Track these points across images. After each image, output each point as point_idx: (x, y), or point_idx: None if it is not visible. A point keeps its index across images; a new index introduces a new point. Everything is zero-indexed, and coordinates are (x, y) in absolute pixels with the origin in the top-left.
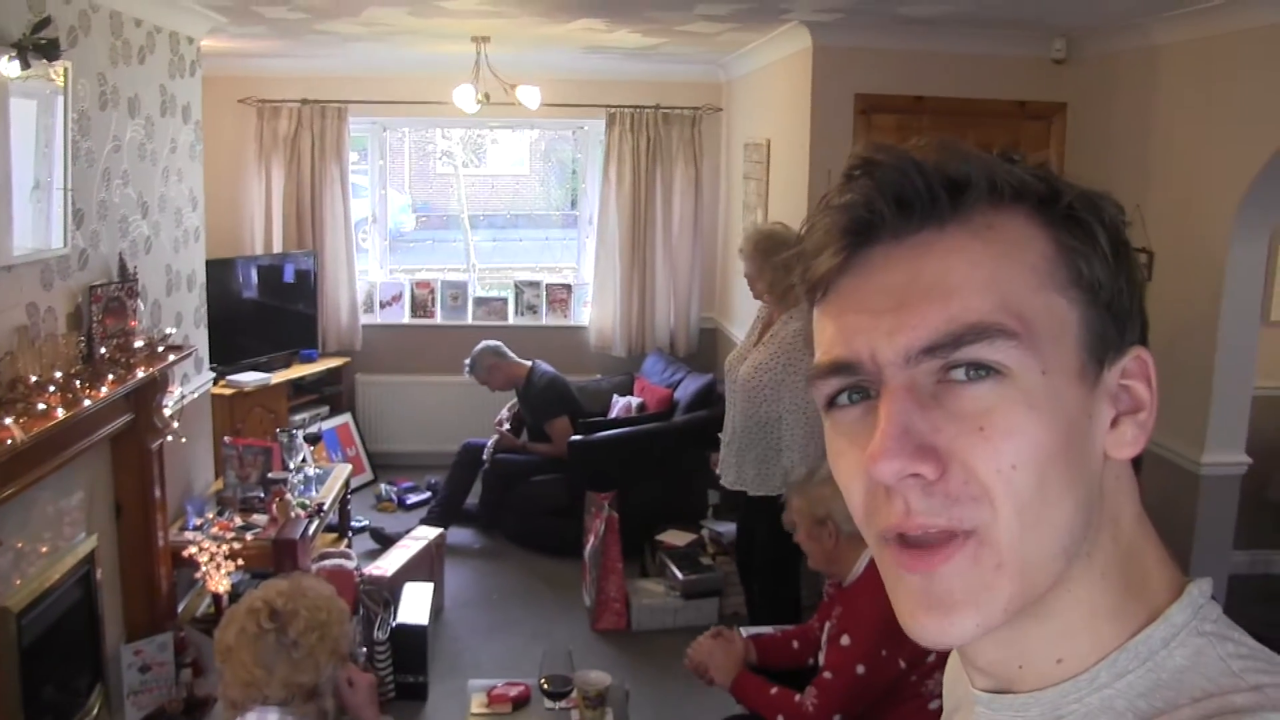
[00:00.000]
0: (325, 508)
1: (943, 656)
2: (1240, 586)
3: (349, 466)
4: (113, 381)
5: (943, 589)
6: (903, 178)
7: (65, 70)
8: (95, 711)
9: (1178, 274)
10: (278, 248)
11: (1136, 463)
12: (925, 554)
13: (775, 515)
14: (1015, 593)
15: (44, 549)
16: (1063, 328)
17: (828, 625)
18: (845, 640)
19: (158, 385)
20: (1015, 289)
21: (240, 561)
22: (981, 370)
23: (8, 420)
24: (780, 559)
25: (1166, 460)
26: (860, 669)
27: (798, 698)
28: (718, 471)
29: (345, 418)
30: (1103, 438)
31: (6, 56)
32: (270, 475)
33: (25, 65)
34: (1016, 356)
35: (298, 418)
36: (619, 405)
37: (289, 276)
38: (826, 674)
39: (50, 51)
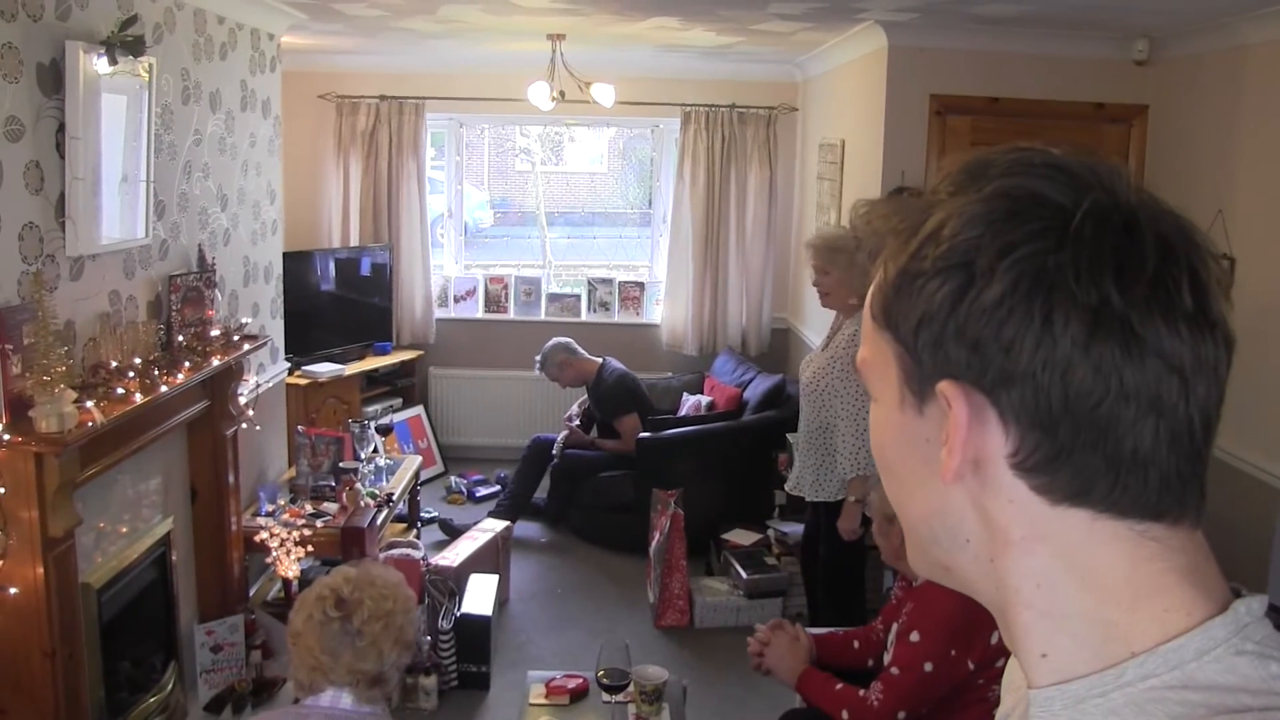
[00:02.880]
0: (394, 498)
1: None
2: None
3: (419, 458)
4: (189, 369)
5: None
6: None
7: (150, 66)
8: (170, 688)
9: (1261, 280)
10: (354, 241)
11: (1154, 501)
12: None
13: (836, 520)
14: (914, 554)
15: (123, 529)
16: (885, 362)
17: (896, 623)
18: (915, 636)
19: (233, 374)
20: (866, 330)
21: (310, 548)
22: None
23: (89, 404)
24: (843, 563)
25: (1242, 473)
26: (928, 666)
27: (862, 693)
28: (784, 472)
29: (417, 410)
30: (939, 460)
31: (96, 53)
32: (341, 465)
33: (113, 61)
34: (868, 383)
35: (370, 409)
36: (688, 404)
37: (365, 270)
38: (894, 670)
39: (136, 48)
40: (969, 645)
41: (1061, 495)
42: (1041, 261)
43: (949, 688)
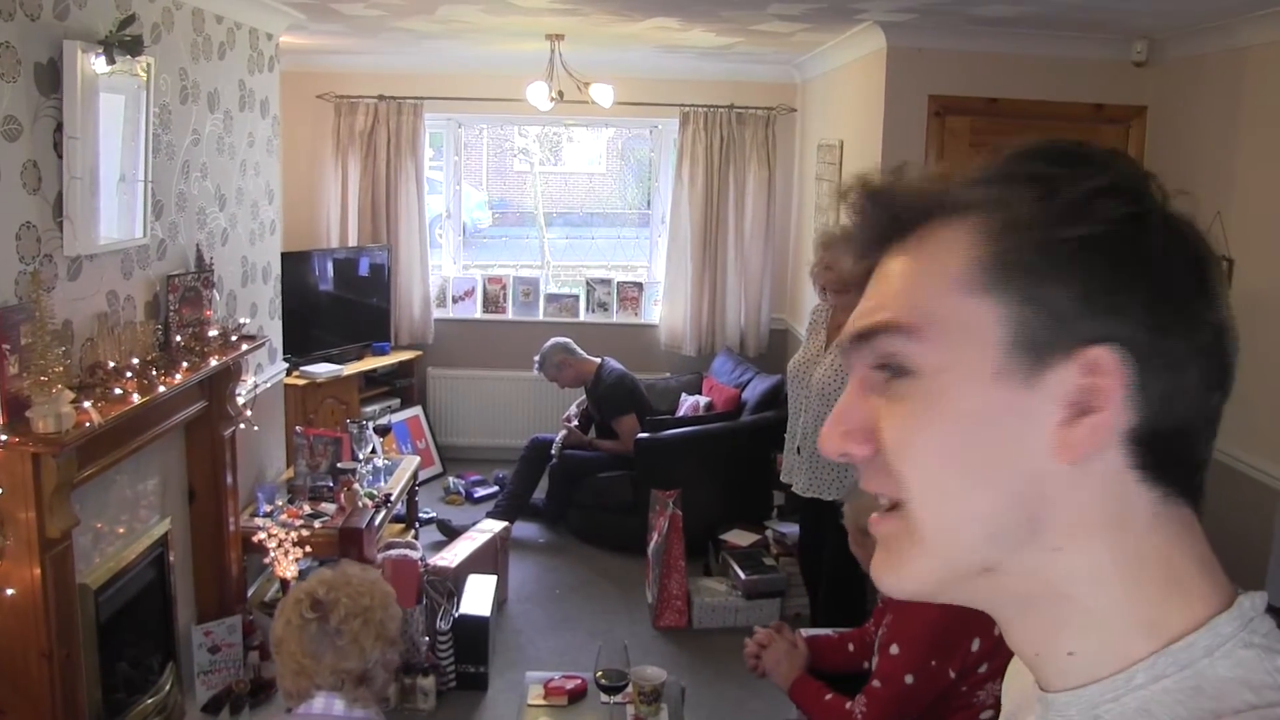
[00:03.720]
0: (393, 498)
1: (995, 668)
2: None
3: (418, 459)
4: (187, 369)
5: (881, 547)
6: (864, 207)
7: (148, 65)
8: (167, 689)
9: (1260, 283)
10: (353, 241)
11: (1187, 478)
12: (879, 518)
13: None
14: (931, 564)
15: (121, 530)
16: (976, 328)
17: (879, 633)
18: (894, 649)
19: (231, 374)
20: (927, 293)
21: (308, 549)
22: (905, 371)
23: (87, 404)
24: (851, 563)
25: (1244, 475)
26: (909, 678)
27: (848, 705)
28: (782, 475)
29: (416, 410)
30: (1049, 436)
31: (94, 53)
32: (340, 465)
33: (111, 61)
34: (916, 353)
35: (369, 409)
36: (687, 404)
37: (363, 270)
38: (875, 683)
39: (134, 47)
40: (949, 654)
41: (1148, 474)
42: (1189, 232)
43: (932, 698)
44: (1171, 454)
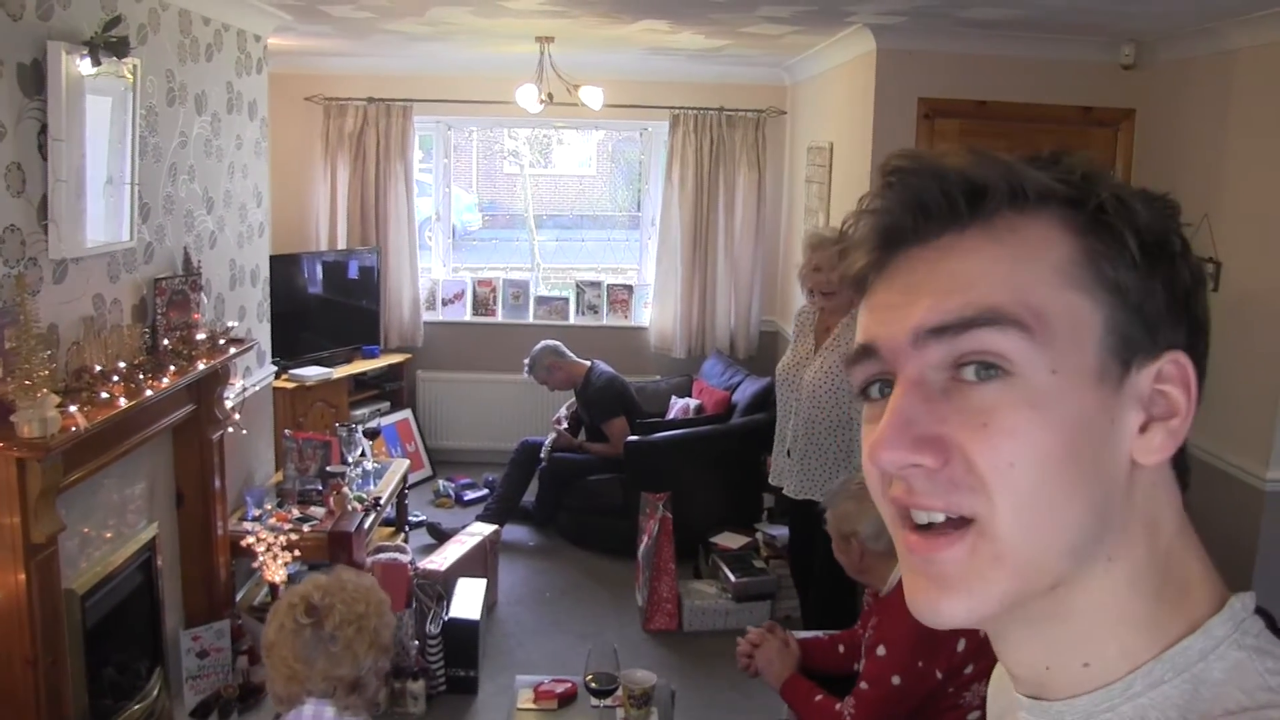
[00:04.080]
0: (382, 502)
1: (981, 669)
2: None
3: (407, 462)
4: (175, 373)
5: (939, 572)
6: (924, 186)
7: (135, 67)
8: (155, 694)
9: (1247, 286)
10: (342, 244)
11: (1184, 477)
12: (930, 539)
13: None
14: (1011, 587)
15: (108, 535)
16: (1081, 327)
17: (866, 635)
18: (881, 651)
19: (219, 377)
20: (1031, 285)
21: (297, 552)
22: (990, 370)
23: (73, 408)
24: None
25: (1231, 476)
26: (896, 680)
27: (838, 706)
28: (770, 478)
29: (405, 414)
30: (1129, 441)
31: (79, 54)
32: (329, 468)
33: (96, 62)
34: (1024, 350)
35: (358, 413)
36: (677, 406)
37: (353, 273)
38: (863, 684)
39: (120, 49)
40: (935, 655)
41: (1179, 472)
42: None
43: (920, 699)
44: (1184, 456)
